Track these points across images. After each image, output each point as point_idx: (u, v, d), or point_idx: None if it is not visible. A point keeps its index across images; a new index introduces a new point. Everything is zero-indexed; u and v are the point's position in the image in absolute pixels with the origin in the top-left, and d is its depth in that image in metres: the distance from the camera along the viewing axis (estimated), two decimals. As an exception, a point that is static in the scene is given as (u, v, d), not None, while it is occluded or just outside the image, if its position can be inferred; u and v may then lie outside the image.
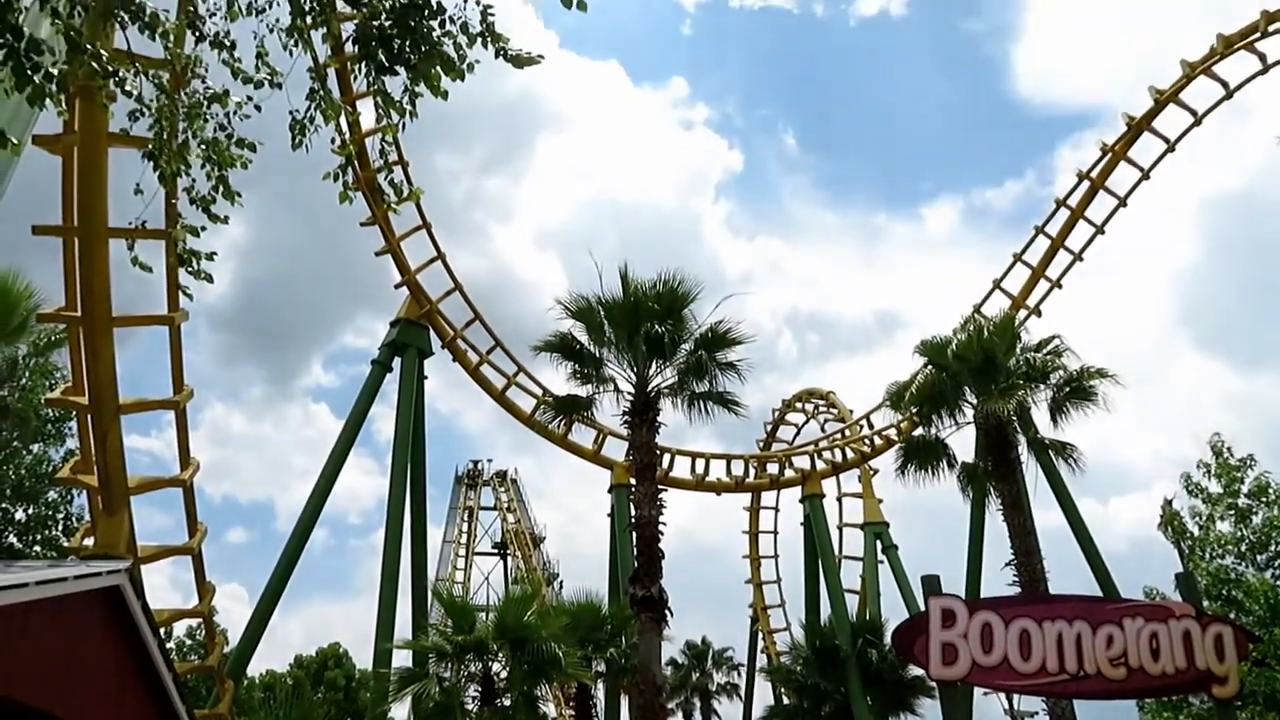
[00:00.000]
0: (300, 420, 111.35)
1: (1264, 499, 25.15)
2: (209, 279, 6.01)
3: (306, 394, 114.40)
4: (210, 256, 6.10)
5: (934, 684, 19.08)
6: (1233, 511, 25.49)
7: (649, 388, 18.05)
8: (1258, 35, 25.32)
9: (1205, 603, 21.30)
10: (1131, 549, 67.27)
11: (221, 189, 5.55)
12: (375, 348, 25.11)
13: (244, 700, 27.68)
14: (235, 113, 5.61)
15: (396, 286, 24.71)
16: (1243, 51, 25.79)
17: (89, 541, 15.82)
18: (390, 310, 25.29)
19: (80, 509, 21.59)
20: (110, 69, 5.35)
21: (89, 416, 14.61)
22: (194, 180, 5.82)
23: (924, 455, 19.37)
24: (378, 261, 24.28)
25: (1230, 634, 16.66)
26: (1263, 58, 25.75)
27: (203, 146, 5.57)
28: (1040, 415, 19.25)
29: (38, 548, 21.99)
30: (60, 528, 22.25)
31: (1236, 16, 26.50)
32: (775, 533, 40.62)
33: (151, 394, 17.22)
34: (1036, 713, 21.87)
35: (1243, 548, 25.15)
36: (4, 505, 22.07)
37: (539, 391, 26.96)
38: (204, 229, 6.13)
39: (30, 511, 22.35)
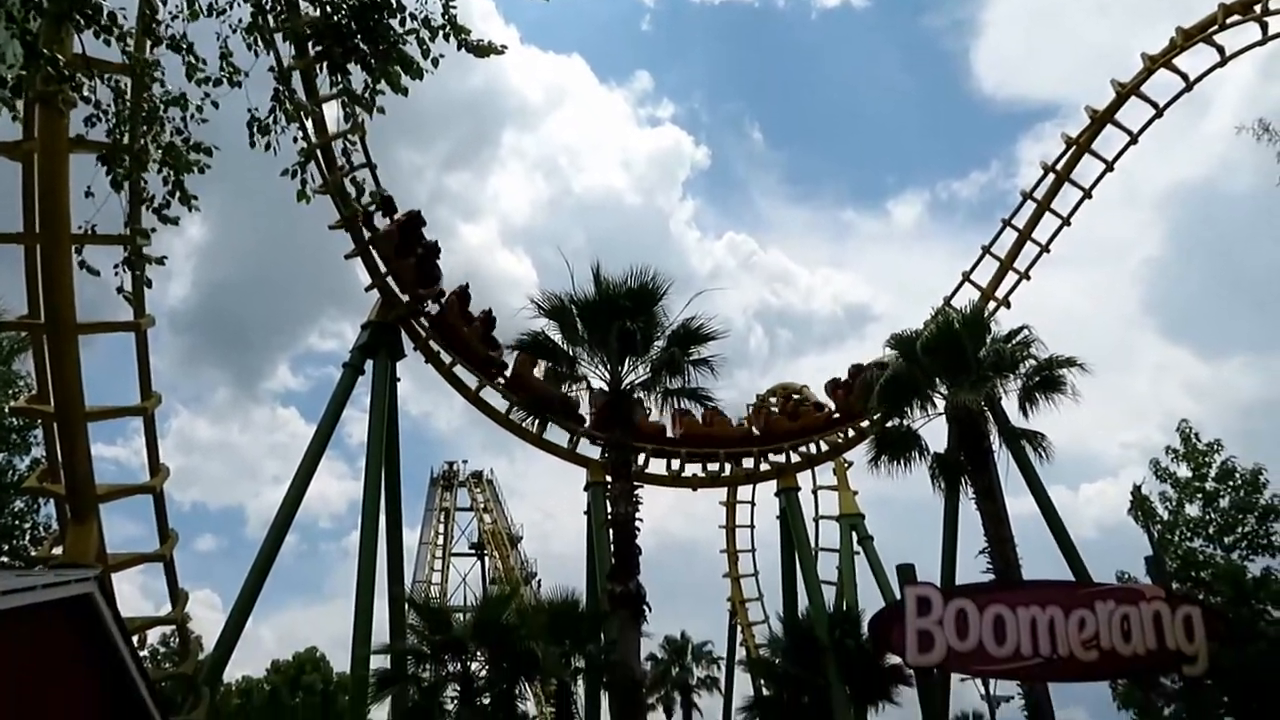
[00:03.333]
0: (268, 424, 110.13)
1: (1230, 483, 25.61)
2: (148, 284, 5.99)
3: (274, 398, 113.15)
4: (160, 261, 6.09)
5: (911, 671, 19.30)
6: (1200, 495, 25.93)
7: (623, 385, 18.11)
8: (1216, 28, 25.67)
9: (1175, 585, 21.68)
10: (1102, 535, 68.16)
11: (178, 194, 5.51)
12: (342, 349, 24.97)
13: (220, 706, 27.45)
14: (193, 116, 5.57)
15: (367, 289, 24.48)
16: (1201, 44, 26.15)
17: (58, 550, 15.65)
18: (357, 310, 25.03)
19: (47, 518, 21.32)
20: (68, 74, 5.30)
21: (55, 424, 14.45)
22: (147, 184, 5.78)
23: (896, 447, 19.50)
24: (342, 261, 23.96)
25: (1199, 614, 16.98)
26: (1221, 50, 26.13)
27: (159, 151, 5.53)
28: (1010, 405, 19.46)
29: (4, 558, 21.70)
30: (27, 537, 21.98)
31: (1195, 9, 26.76)
32: (752, 527, 40.75)
33: (115, 401, 17.01)
34: (1013, 696, 22.11)
35: (1211, 530, 25.59)
36: (-31, 516, 21.78)
37: (513, 391, 26.85)
38: (154, 230, 6.08)
39: (-4, 522, 22.06)
